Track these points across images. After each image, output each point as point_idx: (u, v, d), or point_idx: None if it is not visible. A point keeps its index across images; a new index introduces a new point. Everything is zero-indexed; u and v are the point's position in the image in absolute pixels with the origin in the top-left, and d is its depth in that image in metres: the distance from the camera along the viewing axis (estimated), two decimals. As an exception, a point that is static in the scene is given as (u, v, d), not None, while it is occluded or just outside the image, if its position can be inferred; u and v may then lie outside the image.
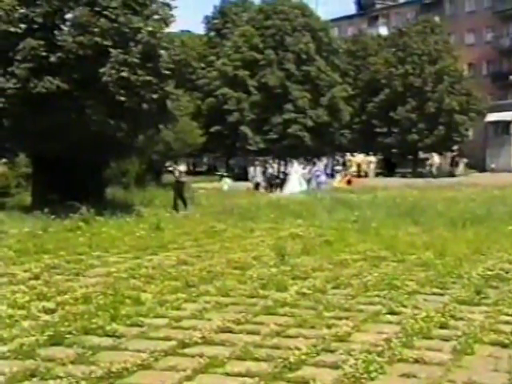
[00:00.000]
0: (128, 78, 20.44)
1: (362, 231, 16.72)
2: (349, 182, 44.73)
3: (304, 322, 8.11)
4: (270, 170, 41.02)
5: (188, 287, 10.09)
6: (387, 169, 59.72)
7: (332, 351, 7.00)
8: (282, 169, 40.49)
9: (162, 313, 8.62)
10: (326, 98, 58.35)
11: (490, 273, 10.96)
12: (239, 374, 6.34)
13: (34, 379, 6.26)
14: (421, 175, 51.89)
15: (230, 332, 7.73)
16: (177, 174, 27.45)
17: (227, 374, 6.38)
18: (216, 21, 73.69)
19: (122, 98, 20.49)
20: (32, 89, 20.00)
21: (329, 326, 7.89)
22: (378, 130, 59.69)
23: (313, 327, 7.92)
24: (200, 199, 28.28)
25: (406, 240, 14.89)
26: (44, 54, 20.24)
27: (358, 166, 55.93)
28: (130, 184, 32.30)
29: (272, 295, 9.55)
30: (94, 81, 20.42)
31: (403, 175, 54.64)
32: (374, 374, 6.29)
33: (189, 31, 76.49)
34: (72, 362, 6.65)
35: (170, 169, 26.71)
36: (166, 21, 22.51)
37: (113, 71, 20.25)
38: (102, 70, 20.23)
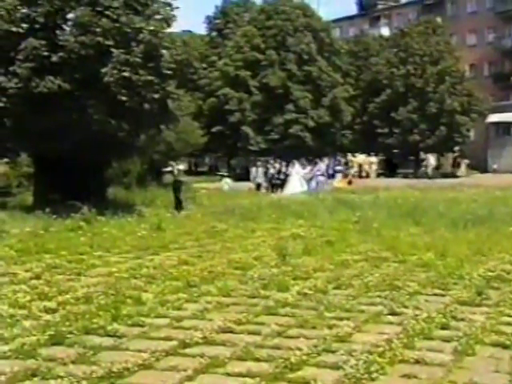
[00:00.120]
0: (129, 77, 20.46)
1: (364, 232, 16.71)
2: (349, 183, 44.68)
3: (305, 323, 8.11)
4: (271, 171, 40.96)
5: (189, 287, 10.10)
6: (389, 169, 59.64)
7: (333, 352, 7.00)
8: (284, 169, 40.39)
9: (163, 313, 8.63)
10: (328, 99, 58.34)
11: (491, 274, 10.96)
12: (240, 375, 6.34)
13: (35, 379, 6.26)
14: (416, 176, 51.82)
15: (231, 332, 7.73)
16: (175, 172, 27.46)
17: (228, 374, 6.38)
18: (218, 21, 73.74)
19: (124, 98, 20.50)
20: (34, 88, 20.01)
21: (330, 327, 7.89)
22: (379, 130, 59.62)
23: (314, 328, 7.91)
24: (201, 199, 28.29)
25: (407, 241, 14.88)
26: (46, 53, 20.25)
27: (360, 166, 55.88)
28: (132, 184, 32.28)
29: (273, 295, 9.55)
30: (95, 81, 20.43)
31: (405, 176, 54.58)
32: (374, 375, 6.30)
33: (190, 31, 76.52)
34: (73, 362, 6.66)
35: (169, 169, 26.70)
36: (167, 20, 22.52)
37: (114, 71, 20.26)
38: (103, 70, 20.24)
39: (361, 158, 57.45)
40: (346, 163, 53.43)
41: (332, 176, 44.52)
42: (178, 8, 22.77)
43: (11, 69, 20.32)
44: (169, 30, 23.21)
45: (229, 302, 9.25)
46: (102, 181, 24.90)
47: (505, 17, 68.80)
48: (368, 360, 6.56)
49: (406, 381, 6.30)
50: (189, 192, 31.39)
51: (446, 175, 52.93)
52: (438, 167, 61.13)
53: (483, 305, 9.17)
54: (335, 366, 6.54)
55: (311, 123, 56.96)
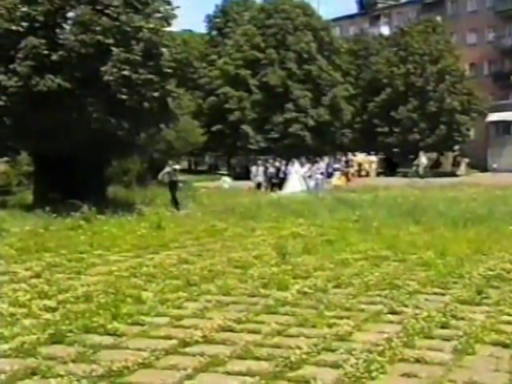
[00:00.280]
0: (129, 76, 20.46)
1: (364, 231, 16.71)
2: (348, 180, 44.69)
3: (305, 321, 8.11)
4: (270, 170, 40.96)
5: (189, 286, 10.10)
6: (388, 168, 59.58)
7: (333, 350, 7.00)
8: (283, 168, 40.38)
9: (162, 311, 8.63)
10: (328, 98, 58.31)
11: (491, 273, 10.96)
12: (240, 373, 6.34)
13: (35, 377, 6.27)
14: (406, 175, 51.80)
15: (231, 331, 7.73)
16: (169, 170, 27.48)
17: (228, 373, 6.38)
18: (218, 20, 73.73)
19: (124, 97, 20.51)
20: (34, 87, 20.01)
21: (330, 326, 7.89)
22: (379, 129, 59.59)
23: (314, 326, 7.92)
24: (201, 198, 28.29)
25: (407, 240, 14.89)
26: (46, 52, 20.26)
27: (359, 165, 55.85)
28: (132, 183, 32.30)
29: (273, 294, 9.55)
30: (95, 79, 20.43)
31: (404, 175, 54.55)
32: (374, 374, 6.30)
33: (190, 30, 76.60)
34: (73, 361, 6.66)
35: (166, 170, 26.70)
36: (167, 19, 22.53)
37: (114, 69, 20.26)
38: (103, 69, 20.25)
39: (360, 156, 57.41)
40: (347, 162, 53.40)
41: (331, 175, 44.53)
42: (178, 7, 22.81)
43: (11, 67, 20.33)
44: (169, 29, 23.23)
45: (229, 300, 9.25)
46: (101, 179, 24.91)
47: (505, 16, 68.76)
48: (368, 359, 6.56)
49: (405, 380, 6.30)
50: (189, 191, 31.43)
51: (438, 174, 52.84)
52: (435, 166, 61.10)
53: (483, 304, 9.17)
54: (335, 365, 6.53)
55: (311, 122, 56.94)
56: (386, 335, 7.48)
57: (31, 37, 20.33)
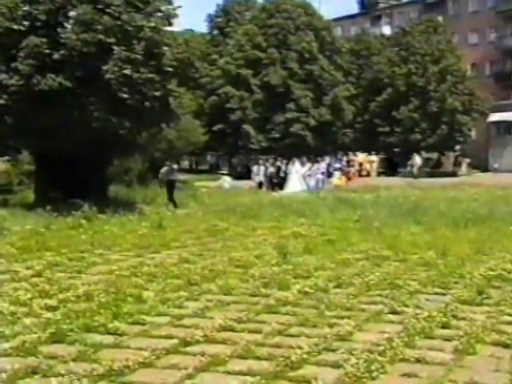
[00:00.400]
0: (130, 75, 20.47)
1: (365, 230, 16.71)
2: (349, 179, 44.66)
3: (306, 321, 8.11)
4: (270, 169, 40.97)
5: (190, 285, 10.10)
6: (389, 168, 59.58)
7: (334, 350, 7.00)
8: (283, 167, 40.38)
9: (163, 311, 8.63)
10: (329, 97, 58.29)
11: (492, 273, 10.95)
12: (241, 373, 6.34)
13: (36, 376, 6.27)
14: (404, 175, 51.80)
15: (232, 330, 7.74)
16: (167, 169, 27.56)
17: (229, 373, 6.38)
18: (219, 19, 73.74)
19: (125, 96, 20.52)
20: (35, 86, 20.03)
21: (330, 325, 7.89)
22: (380, 129, 59.56)
23: (314, 326, 7.91)
24: (202, 197, 28.30)
25: (408, 239, 14.88)
26: (47, 51, 20.28)
27: (360, 165, 55.82)
28: (133, 182, 32.32)
29: (274, 294, 9.55)
30: (96, 78, 20.44)
31: (404, 175, 54.50)
32: (375, 374, 6.29)
33: (192, 30, 76.64)
34: (74, 360, 6.66)
35: (165, 169, 26.82)
36: (168, 18, 22.52)
37: (115, 68, 20.28)
38: (104, 68, 20.26)
39: (361, 156, 57.39)
40: (348, 162, 53.39)
41: (331, 175, 44.52)
42: (180, 7, 22.80)
43: (13, 66, 20.34)
44: (170, 29, 23.25)
45: (229, 300, 9.25)
46: (103, 179, 24.92)
47: (506, 16, 68.71)
48: (368, 359, 6.56)
49: (406, 380, 6.29)
50: (189, 190, 31.45)
51: (439, 174, 52.84)
52: (436, 166, 61.09)
53: (484, 304, 9.16)
54: (336, 365, 6.53)
55: (312, 122, 56.91)
56: (386, 335, 7.48)
57: (33, 36, 20.35)
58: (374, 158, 58.69)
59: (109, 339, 7.37)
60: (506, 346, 7.25)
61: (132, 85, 20.69)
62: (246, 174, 48.59)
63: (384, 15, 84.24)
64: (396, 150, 60.20)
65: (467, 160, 59.10)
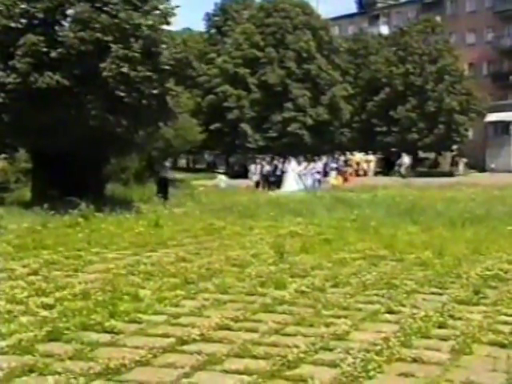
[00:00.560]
0: (128, 73, 20.45)
1: (361, 230, 16.71)
2: (345, 180, 44.69)
3: (302, 321, 8.10)
4: (267, 168, 40.99)
5: (187, 284, 10.08)
6: (387, 168, 59.67)
7: (330, 350, 6.99)
8: (280, 166, 40.39)
9: (160, 309, 8.61)
10: (327, 97, 58.34)
11: (488, 273, 10.95)
12: (237, 372, 6.33)
13: (32, 375, 6.25)
14: (388, 175, 51.91)
15: (229, 329, 7.72)
16: (160, 167, 27.62)
17: (225, 372, 6.37)
18: (217, 18, 73.76)
19: (122, 94, 20.50)
20: (32, 84, 20.01)
21: (327, 325, 7.88)
22: (377, 128, 59.67)
23: (311, 325, 7.91)
24: (199, 196, 28.28)
25: (405, 239, 14.88)
26: (45, 49, 20.27)
27: (358, 164, 55.91)
28: (130, 180, 32.30)
29: (271, 293, 9.54)
30: (94, 77, 20.44)
31: (402, 175, 54.58)
32: (372, 373, 6.29)
33: (189, 29, 76.64)
34: (70, 358, 6.64)
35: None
36: (166, 16, 22.51)
37: (113, 66, 20.26)
38: (102, 65, 20.24)
39: (359, 156, 57.46)
40: (346, 161, 53.43)
41: (327, 174, 44.55)
42: (178, 7, 22.78)
43: (10, 64, 20.31)
44: (168, 28, 23.26)
45: (226, 299, 9.24)
46: (100, 177, 24.91)
47: (504, 16, 68.84)
48: (365, 358, 6.55)
49: (403, 379, 6.29)
50: (186, 189, 31.45)
51: (429, 174, 52.90)
52: (433, 166, 61.18)
53: (481, 304, 9.16)
54: (332, 364, 6.52)
55: (310, 121, 56.97)
56: (383, 335, 7.48)
57: (30, 34, 20.33)
58: (372, 157, 58.80)
59: (105, 338, 7.36)
60: (502, 345, 7.25)
61: (129, 83, 20.68)
62: (243, 173, 48.61)
63: (382, 15, 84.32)
64: (393, 149, 60.29)
65: (464, 160, 59.20)
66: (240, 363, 6.53)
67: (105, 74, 20.21)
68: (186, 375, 6.27)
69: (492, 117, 62.28)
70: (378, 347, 6.97)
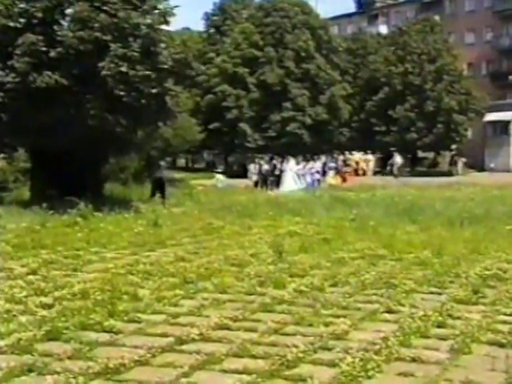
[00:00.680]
0: (127, 72, 20.43)
1: (360, 229, 16.72)
2: (344, 180, 44.66)
3: (301, 320, 8.10)
4: (265, 167, 40.98)
5: (186, 284, 10.09)
6: (385, 167, 59.68)
7: (329, 349, 7.00)
8: (278, 165, 40.37)
9: (159, 309, 8.62)
10: (325, 96, 58.34)
11: (487, 272, 10.96)
12: (236, 371, 6.34)
13: (32, 374, 6.25)
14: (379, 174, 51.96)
15: (228, 329, 7.73)
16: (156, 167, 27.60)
17: (224, 371, 6.37)
18: (216, 18, 73.68)
19: (121, 93, 20.48)
20: (31, 83, 19.98)
21: (326, 324, 7.89)
22: (376, 128, 59.68)
23: (310, 325, 7.91)
24: (198, 196, 28.27)
25: (403, 239, 14.89)
26: (44, 48, 20.24)
27: (356, 164, 55.89)
28: (129, 180, 32.27)
29: (269, 292, 9.54)
30: (93, 76, 20.41)
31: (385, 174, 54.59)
32: (371, 373, 6.29)
33: (188, 28, 76.57)
34: (69, 358, 6.65)
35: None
36: (165, 16, 22.49)
37: (112, 65, 20.24)
38: (100, 64, 20.22)
39: (358, 155, 57.45)
40: (345, 161, 53.41)
41: (326, 173, 44.52)
42: (177, 6, 22.77)
43: (9, 63, 20.30)
44: (168, 28, 23.25)
45: (225, 298, 9.24)
46: (98, 176, 24.89)
47: (503, 16, 68.88)
48: (364, 358, 6.56)
49: (402, 379, 6.29)
50: (186, 188, 31.42)
51: (419, 174, 52.92)
52: (432, 165, 61.18)
53: (479, 303, 9.17)
54: (331, 364, 6.53)
55: (308, 121, 56.98)
56: (382, 334, 7.48)
57: (29, 33, 20.30)
58: (370, 157, 58.77)
59: (104, 337, 7.37)
60: (501, 345, 7.26)
61: (128, 82, 20.65)
62: (242, 173, 48.59)
63: (381, 14, 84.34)
64: (392, 149, 60.29)
65: (463, 159, 59.20)
66: (239, 363, 6.53)
67: (104, 73, 20.20)
68: (185, 375, 6.27)
69: (491, 116, 62.30)
70: (377, 347, 6.98)
